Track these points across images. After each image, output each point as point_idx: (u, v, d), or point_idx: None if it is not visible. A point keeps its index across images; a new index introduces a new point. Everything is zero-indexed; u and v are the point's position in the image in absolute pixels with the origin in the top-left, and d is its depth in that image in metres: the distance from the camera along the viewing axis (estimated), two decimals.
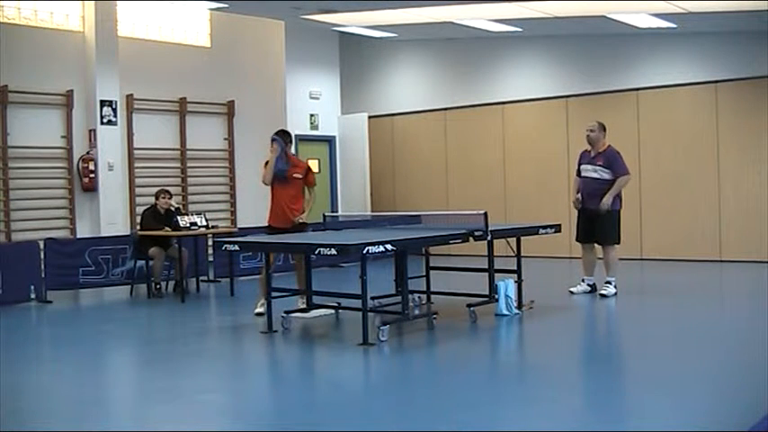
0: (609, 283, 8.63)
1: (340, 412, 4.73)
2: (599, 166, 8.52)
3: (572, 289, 8.84)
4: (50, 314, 8.84)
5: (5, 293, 8.96)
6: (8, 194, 11.07)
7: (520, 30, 12.08)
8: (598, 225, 8.56)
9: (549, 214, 11.24)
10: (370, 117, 14.37)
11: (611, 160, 8.51)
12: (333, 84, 14.54)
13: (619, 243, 8.68)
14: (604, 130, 8.66)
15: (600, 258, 8.79)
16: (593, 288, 8.75)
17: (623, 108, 12.30)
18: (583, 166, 8.70)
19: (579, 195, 8.72)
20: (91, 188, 11.62)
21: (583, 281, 8.86)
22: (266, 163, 8.06)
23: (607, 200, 8.42)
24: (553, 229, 8.30)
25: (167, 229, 9.54)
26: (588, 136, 8.65)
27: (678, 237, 11.86)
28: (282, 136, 8.05)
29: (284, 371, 6.22)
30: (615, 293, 8.56)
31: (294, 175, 8.02)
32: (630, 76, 12.27)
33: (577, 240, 8.89)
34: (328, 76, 14.47)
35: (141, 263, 9.79)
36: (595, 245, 8.75)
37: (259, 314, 7.71)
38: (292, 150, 13.57)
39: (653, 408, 4.57)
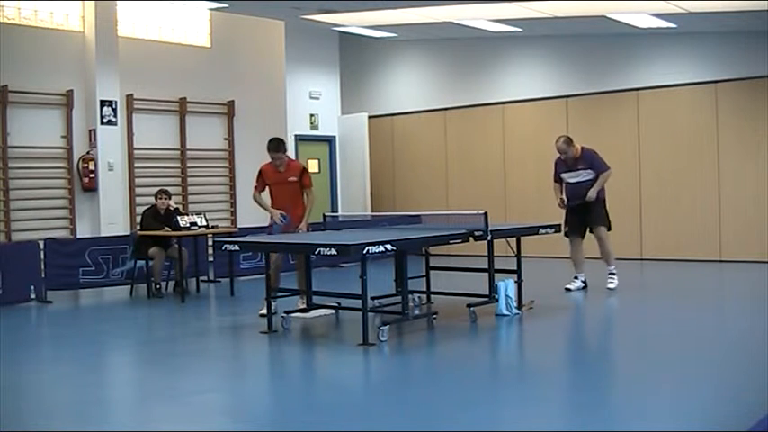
0: (613, 274, 9.02)
1: (340, 412, 4.73)
2: (581, 169, 8.94)
3: (568, 286, 9.03)
4: (50, 314, 8.84)
5: (5, 293, 8.96)
6: (8, 194, 11.08)
7: (520, 30, 12.08)
8: (588, 214, 8.95)
9: (549, 214, 11.23)
10: (370, 117, 14.37)
11: (590, 161, 8.95)
12: (333, 84, 14.53)
13: (610, 228, 9.01)
14: (571, 141, 9.02)
15: (589, 257, 9.10)
16: (586, 284, 9.05)
17: (623, 108, 12.30)
18: (563, 175, 9.08)
19: (564, 196, 9.08)
20: (91, 188, 11.63)
21: (576, 278, 9.07)
22: (260, 172, 8.11)
23: (592, 193, 8.81)
24: (553, 229, 8.34)
25: (167, 229, 9.54)
26: (559, 149, 9.01)
27: (678, 237, 11.86)
28: (271, 144, 7.99)
29: (284, 371, 6.22)
30: (618, 283, 8.96)
31: (289, 179, 8.03)
32: (630, 76, 12.26)
33: (566, 234, 9.09)
34: (328, 76, 14.46)
35: (141, 263, 9.78)
36: (582, 241, 9.10)
37: (263, 315, 7.62)
38: (291, 154, 13.73)
39: (653, 408, 4.57)
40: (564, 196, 9.07)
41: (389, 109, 14.79)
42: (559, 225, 8.49)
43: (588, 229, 9.04)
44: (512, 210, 13.10)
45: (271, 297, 7.19)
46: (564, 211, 9.19)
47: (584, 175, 8.90)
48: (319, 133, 14.34)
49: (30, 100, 11.27)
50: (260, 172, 8.16)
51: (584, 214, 8.96)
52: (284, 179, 8.01)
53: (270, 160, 8.08)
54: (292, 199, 8.05)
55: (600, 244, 8.98)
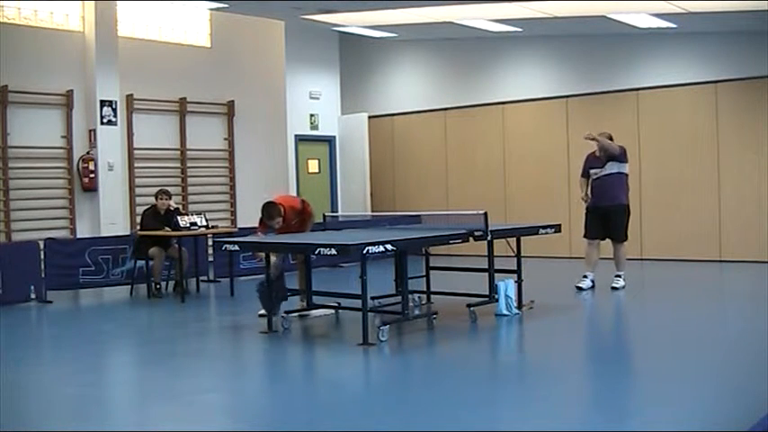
0: (619, 276, 9.08)
1: (340, 412, 4.73)
2: (608, 162, 8.98)
3: (579, 284, 9.04)
4: (50, 314, 8.84)
5: (5, 293, 8.96)
6: (8, 194, 11.08)
7: (520, 30, 12.08)
8: (611, 223, 9.04)
9: (549, 214, 11.25)
10: (370, 117, 14.37)
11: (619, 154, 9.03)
12: (333, 84, 14.53)
13: (627, 239, 9.18)
14: (612, 139, 9.09)
15: (603, 258, 9.15)
16: (594, 284, 9.07)
17: (623, 108, 12.29)
18: (593, 171, 9.11)
19: (589, 193, 9.15)
20: (91, 188, 11.63)
21: (585, 276, 9.09)
22: (260, 220, 7.95)
23: (590, 134, 8.95)
24: (553, 229, 8.33)
25: (167, 229, 9.53)
26: (602, 147, 8.98)
27: (678, 237, 11.86)
28: (264, 213, 7.80)
29: (284, 371, 6.22)
30: (624, 285, 8.99)
31: (292, 224, 7.95)
32: (630, 76, 12.26)
33: (586, 237, 9.19)
34: (328, 76, 14.46)
35: (141, 263, 9.78)
36: (600, 243, 9.17)
37: (263, 315, 7.62)
38: (291, 154, 13.71)
39: (653, 408, 4.57)
40: (589, 193, 9.13)
41: (389, 109, 14.79)
42: (559, 225, 8.48)
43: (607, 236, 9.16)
44: (512, 210, 13.10)
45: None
46: (584, 211, 9.24)
47: (608, 168, 8.95)
48: (319, 133, 14.34)
49: (30, 100, 11.27)
50: (260, 221, 7.97)
51: (606, 222, 9.03)
52: (287, 227, 7.91)
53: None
54: (300, 228, 8.04)
55: (615, 252, 9.10)
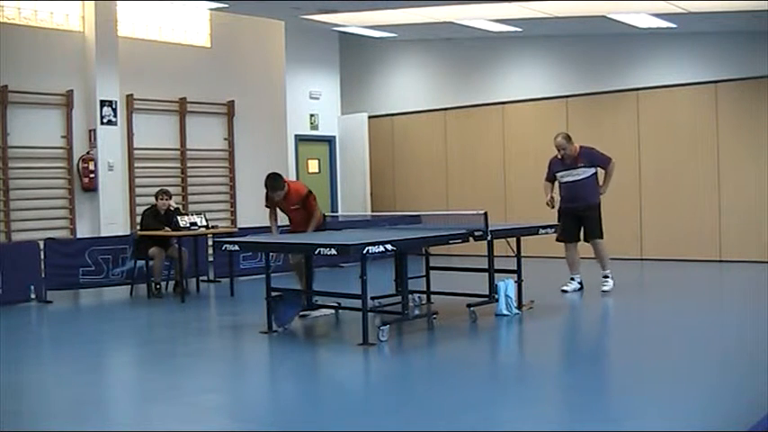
0: (606, 277, 8.94)
1: (340, 412, 4.73)
2: (580, 167, 8.83)
3: (564, 288, 8.97)
4: (50, 314, 8.84)
5: (5, 293, 8.96)
6: (8, 194, 11.07)
7: (520, 30, 12.08)
8: (585, 223, 8.89)
9: (549, 214, 11.23)
10: (370, 117, 14.38)
11: (591, 157, 8.87)
12: (333, 84, 14.54)
13: (603, 237, 8.95)
14: (570, 138, 8.91)
15: (584, 257, 9.08)
16: (582, 285, 8.99)
17: (623, 108, 12.30)
18: (559, 174, 8.96)
19: (554, 195, 8.98)
20: (91, 188, 11.62)
21: (572, 279, 9.02)
22: (266, 194, 7.93)
23: (605, 189, 8.85)
24: (553, 229, 8.34)
25: (167, 229, 9.54)
26: (558, 144, 8.86)
27: (678, 237, 11.86)
28: (267, 183, 7.81)
29: (284, 371, 6.22)
30: (613, 286, 8.87)
31: (292, 207, 7.96)
32: (630, 76, 12.26)
33: (559, 240, 8.99)
34: (328, 76, 14.47)
35: (141, 263, 9.78)
36: (577, 244, 9.03)
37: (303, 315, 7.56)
38: (291, 154, 13.74)
39: (652, 408, 4.57)
40: (554, 195, 8.96)
41: (389, 109, 14.80)
42: (559, 225, 8.48)
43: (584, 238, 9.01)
44: (512, 210, 13.10)
45: (270, 297, 7.19)
46: (556, 213, 9.15)
47: (583, 174, 8.81)
48: (319, 133, 14.35)
49: (30, 100, 11.26)
50: (266, 194, 8.02)
51: (579, 221, 8.89)
52: (288, 207, 7.97)
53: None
54: (304, 218, 7.99)
55: (596, 251, 8.94)
